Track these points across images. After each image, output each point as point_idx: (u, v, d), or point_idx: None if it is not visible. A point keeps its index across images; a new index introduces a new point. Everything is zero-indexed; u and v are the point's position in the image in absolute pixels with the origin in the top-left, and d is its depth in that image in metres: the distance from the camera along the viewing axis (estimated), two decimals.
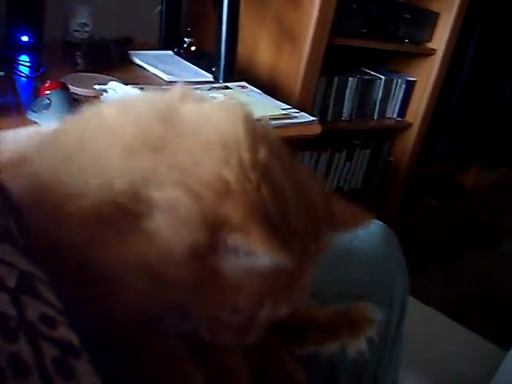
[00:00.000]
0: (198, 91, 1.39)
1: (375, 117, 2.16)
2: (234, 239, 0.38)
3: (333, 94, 1.97)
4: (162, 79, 1.47)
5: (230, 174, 0.39)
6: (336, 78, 1.96)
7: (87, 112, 0.48)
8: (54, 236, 0.41)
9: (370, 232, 0.88)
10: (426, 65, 2.17)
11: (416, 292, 1.22)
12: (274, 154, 0.43)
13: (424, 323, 1.38)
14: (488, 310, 2.50)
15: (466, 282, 2.76)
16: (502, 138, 2.78)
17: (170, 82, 1.45)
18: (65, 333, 0.35)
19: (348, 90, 2.01)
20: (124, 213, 0.40)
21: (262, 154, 0.42)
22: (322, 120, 1.73)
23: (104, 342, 0.42)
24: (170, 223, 0.38)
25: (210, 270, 0.39)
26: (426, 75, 2.17)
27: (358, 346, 0.61)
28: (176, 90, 0.51)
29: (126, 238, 0.39)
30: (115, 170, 0.41)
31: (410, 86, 2.20)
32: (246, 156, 0.40)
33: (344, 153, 2.11)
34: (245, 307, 0.42)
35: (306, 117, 1.37)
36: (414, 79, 2.20)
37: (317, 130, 1.34)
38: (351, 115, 2.06)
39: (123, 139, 0.42)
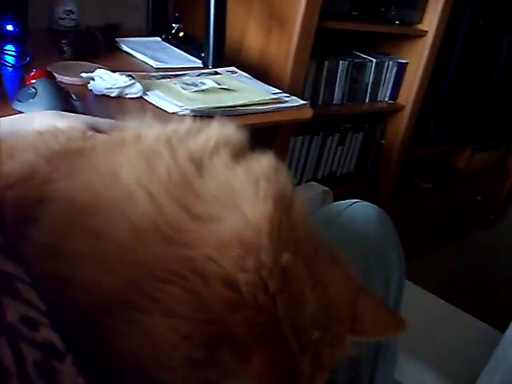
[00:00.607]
0: (188, 77, 1.37)
1: (367, 100, 2.14)
2: (232, 361, 0.34)
3: (323, 78, 1.95)
4: (151, 66, 1.45)
5: (243, 281, 0.36)
6: (326, 62, 1.94)
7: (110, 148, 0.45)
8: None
9: (365, 216, 0.87)
10: (417, 46, 2.15)
11: (411, 275, 1.21)
12: (299, 253, 0.39)
13: (420, 306, 1.37)
14: (483, 290, 2.51)
15: (461, 264, 2.77)
16: (493, 120, 2.77)
17: (159, 68, 1.43)
18: (47, 334, 0.33)
19: (339, 74, 1.99)
20: (125, 304, 0.37)
21: (285, 257, 0.37)
22: (313, 104, 1.72)
23: None
24: (169, 326, 0.35)
25: (204, 380, 0.36)
26: (418, 57, 2.15)
27: None
28: (211, 134, 0.46)
29: (122, 329, 0.36)
30: (119, 254, 0.38)
31: (402, 69, 2.18)
32: (265, 259, 0.36)
33: (336, 137, 2.10)
34: None
35: (296, 101, 1.35)
36: (406, 61, 2.18)
37: (308, 113, 1.32)
38: (342, 99, 2.04)
39: (136, 218, 0.39)
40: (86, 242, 0.38)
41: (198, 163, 0.42)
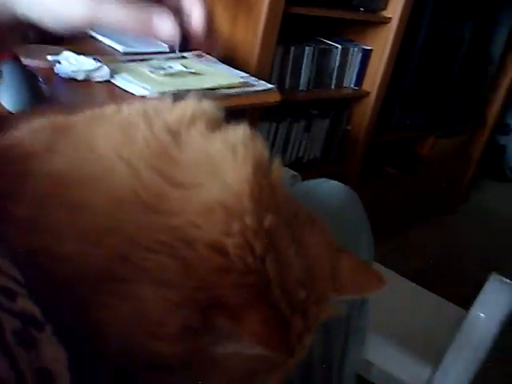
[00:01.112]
0: (155, 61, 1.36)
1: (333, 86, 2.16)
2: (226, 323, 0.35)
3: (290, 64, 1.95)
4: (118, 50, 1.44)
5: (230, 245, 0.36)
6: (292, 48, 1.95)
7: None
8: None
9: (335, 193, 0.88)
10: (381, 33, 2.17)
11: (378, 259, 1.23)
12: (280, 216, 0.40)
13: (388, 287, 1.39)
14: (448, 272, 2.57)
15: (426, 248, 2.82)
16: (456, 108, 2.82)
17: (126, 52, 1.42)
18: (26, 305, 0.33)
19: (305, 60, 2.00)
20: (111, 277, 0.36)
21: (268, 219, 0.38)
22: (280, 90, 1.72)
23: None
24: (159, 295, 0.35)
25: (197, 350, 0.36)
26: (382, 44, 2.17)
27: None
28: (187, 108, 0.46)
29: (110, 303, 0.36)
30: (102, 225, 0.37)
31: (366, 55, 2.20)
32: (249, 223, 0.37)
33: (302, 123, 2.11)
34: (235, 380, 0.40)
35: (264, 85, 1.36)
36: (370, 48, 2.20)
37: (276, 97, 1.33)
38: (309, 85, 2.05)
39: (116, 189, 0.38)
40: (67, 215, 0.38)
41: (175, 133, 0.42)
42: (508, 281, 1.18)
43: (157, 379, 0.41)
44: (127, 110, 0.46)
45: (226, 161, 0.40)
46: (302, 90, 2.04)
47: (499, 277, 1.18)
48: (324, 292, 0.41)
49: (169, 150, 0.41)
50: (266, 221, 0.38)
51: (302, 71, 2.01)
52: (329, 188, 0.90)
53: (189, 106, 0.47)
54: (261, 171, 0.41)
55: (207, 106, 0.48)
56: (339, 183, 0.91)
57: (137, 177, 0.39)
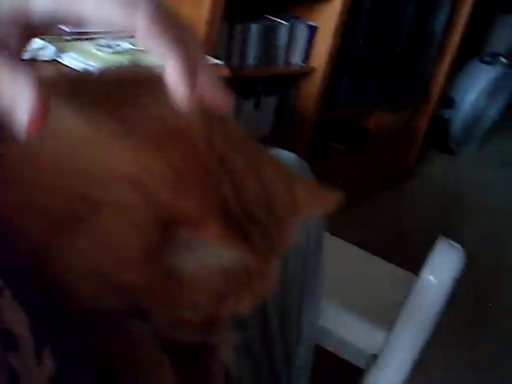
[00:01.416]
0: (103, 40, 1.34)
1: (280, 63, 2.17)
2: (190, 235, 0.35)
3: (237, 42, 1.95)
4: (63, 29, 1.41)
5: (184, 165, 0.37)
6: (239, 25, 1.94)
7: None
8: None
9: (285, 162, 0.89)
10: (326, 10, 2.19)
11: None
12: (230, 139, 0.40)
13: (340, 256, 1.42)
14: (396, 245, 2.63)
15: (376, 221, 2.88)
16: (401, 83, 2.87)
17: (72, 32, 1.39)
18: None
19: (251, 37, 2.00)
20: (71, 217, 0.36)
21: (219, 139, 0.39)
22: (228, 67, 1.73)
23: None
24: (119, 224, 0.35)
25: (165, 270, 0.37)
26: (327, 20, 2.19)
27: None
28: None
29: (71, 243, 0.36)
30: (56, 168, 0.37)
31: (312, 32, 2.22)
32: (201, 145, 0.38)
33: (251, 100, 2.12)
34: (205, 305, 0.40)
35: (212, 61, 1.36)
36: (316, 25, 2.22)
37: (224, 72, 1.34)
38: (256, 62, 2.06)
39: (65, 131, 0.38)
40: (19, 168, 0.38)
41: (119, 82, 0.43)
42: (455, 243, 1.22)
43: (125, 329, 0.42)
44: None
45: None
46: (249, 68, 2.04)
47: (446, 240, 1.22)
48: (283, 216, 0.42)
49: (112, 91, 0.41)
50: (217, 143, 0.39)
51: (249, 49, 2.01)
52: (281, 157, 0.91)
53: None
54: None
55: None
56: (288, 152, 0.92)
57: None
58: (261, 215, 0.39)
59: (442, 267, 1.19)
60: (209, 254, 0.37)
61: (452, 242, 1.22)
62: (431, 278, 1.19)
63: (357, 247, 1.52)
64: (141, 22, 0.34)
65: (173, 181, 0.36)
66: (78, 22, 0.35)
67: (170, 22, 0.35)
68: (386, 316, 1.26)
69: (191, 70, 0.36)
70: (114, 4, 0.34)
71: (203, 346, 0.53)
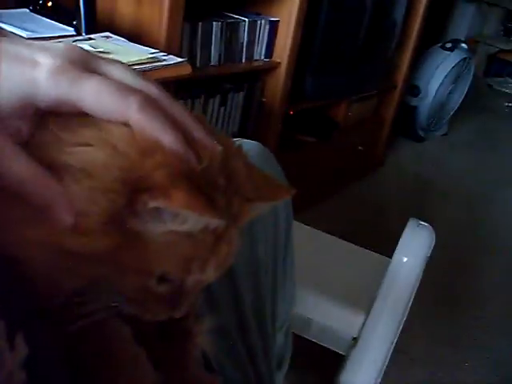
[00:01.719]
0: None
1: (243, 60, 2.18)
2: (156, 200, 0.36)
3: (199, 41, 1.96)
4: (21, 37, 1.41)
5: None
6: (200, 24, 1.95)
7: None
8: None
9: (250, 152, 0.90)
10: (286, 4, 2.20)
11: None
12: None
13: (313, 244, 1.44)
14: (373, 231, 2.66)
15: (349, 211, 2.91)
16: (365, 73, 2.90)
17: (30, 38, 1.39)
18: None
19: (213, 35, 2.01)
20: None
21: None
22: (192, 66, 1.73)
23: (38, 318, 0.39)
24: (83, 187, 0.36)
25: (131, 236, 0.37)
26: (288, 14, 2.20)
27: None
28: None
29: (30, 215, 0.36)
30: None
31: (274, 27, 2.23)
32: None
33: (217, 98, 2.12)
34: (171, 273, 0.41)
35: (174, 59, 1.36)
36: (277, 19, 2.23)
37: (187, 70, 1.34)
38: (220, 60, 2.06)
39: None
40: None
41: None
42: (425, 223, 1.24)
43: (100, 324, 0.42)
44: None
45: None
46: (213, 66, 2.05)
47: (416, 220, 1.24)
48: (243, 190, 0.43)
49: None
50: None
51: (212, 47, 2.02)
52: (245, 147, 0.92)
53: None
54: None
55: None
56: (253, 141, 0.93)
57: None
58: (223, 183, 0.40)
59: (413, 247, 1.21)
60: (176, 220, 0.37)
61: (422, 222, 1.25)
62: (404, 258, 1.21)
63: (330, 235, 1.54)
64: (134, 113, 0.37)
65: (141, 146, 0.37)
66: (78, 111, 0.38)
67: (158, 105, 0.39)
68: (364, 299, 1.29)
69: (182, 139, 0.39)
70: (110, 96, 0.37)
71: (180, 332, 0.54)
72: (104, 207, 0.36)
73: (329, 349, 1.42)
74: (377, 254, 1.49)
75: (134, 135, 0.37)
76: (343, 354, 1.34)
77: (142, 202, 0.36)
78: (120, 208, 0.36)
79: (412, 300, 1.25)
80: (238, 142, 0.90)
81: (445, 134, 4.27)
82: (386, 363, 1.30)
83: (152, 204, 0.36)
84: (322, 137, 2.74)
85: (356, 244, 1.57)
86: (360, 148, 3.13)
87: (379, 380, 1.35)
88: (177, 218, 0.37)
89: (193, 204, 0.36)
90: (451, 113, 4.10)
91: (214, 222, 0.39)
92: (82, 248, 0.36)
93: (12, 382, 0.32)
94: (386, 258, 1.38)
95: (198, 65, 1.98)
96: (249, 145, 0.92)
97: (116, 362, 0.46)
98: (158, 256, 0.39)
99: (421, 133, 3.97)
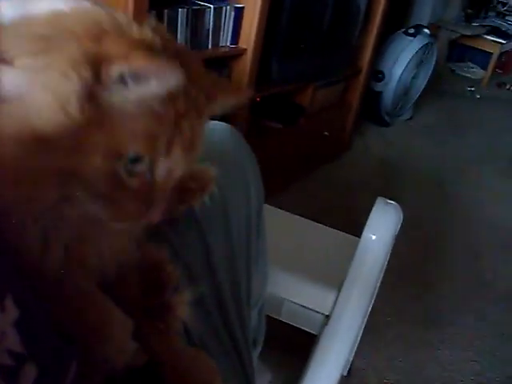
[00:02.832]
0: None
1: (209, 46, 2.18)
2: (119, 65, 0.38)
3: (165, 27, 1.95)
4: None
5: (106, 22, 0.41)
6: (166, 11, 1.94)
7: None
8: None
9: (220, 132, 0.91)
10: None
11: None
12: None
13: (286, 228, 1.46)
14: (341, 214, 2.70)
15: (317, 196, 2.94)
16: (331, 58, 2.92)
17: None
18: None
19: (179, 22, 2.00)
20: None
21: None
22: None
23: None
24: (43, 82, 0.37)
25: (100, 111, 0.39)
26: (253, 1, 2.21)
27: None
28: None
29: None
30: None
31: (239, 13, 2.23)
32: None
33: None
34: (139, 152, 0.42)
35: None
36: (242, 5, 2.23)
37: None
38: (186, 46, 2.06)
39: None
40: None
41: None
42: (392, 202, 1.27)
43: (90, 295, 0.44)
44: None
45: None
46: None
47: (384, 199, 1.27)
48: (201, 82, 0.46)
49: None
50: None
51: (178, 33, 2.01)
52: (213, 127, 0.93)
53: None
54: None
55: None
56: (222, 123, 0.95)
57: None
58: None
59: (381, 224, 1.24)
60: (139, 84, 0.39)
61: (389, 200, 1.27)
62: (373, 236, 1.24)
63: (301, 217, 1.56)
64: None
65: (93, 28, 0.40)
66: None
67: None
68: (335, 278, 1.31)
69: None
70: None
71: (160, 304, 0.55)
72: (75, 82, 0.37)
73: (302, 330, 1.44)
74: (346, 234, 1.52)
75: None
76: (316, 334, 1.37)
77: (107, 71, 0.38)
78: (89, 82, 0.38)
79: (381, 276, 1.28)
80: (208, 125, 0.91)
81: (409, 119, 4.33)
82: (358, 340, 1.33)
83: (115, 70, 0.38)
84: (288, 122, 2.76)
85: (325, 225, 1.59)
86: (326, 133, 3.16)
87: (351, 357, 1.38)
88: (140, 81, 0.39)
89: (152, 62, 0.38)
90: (415, 97, 4.16)
91: (173, 79, 0.40)
92: (56, 129, 0.37)
93: (5, 341, 0.33)
94: (356, 238, 1.41)
95: None
96: (218, 125, 0.93)
97: (98, 326, 0.47)
98: (125, 133, 0.40)
99: (386, 117, 4.02)
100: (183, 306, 0.58)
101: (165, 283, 0.59)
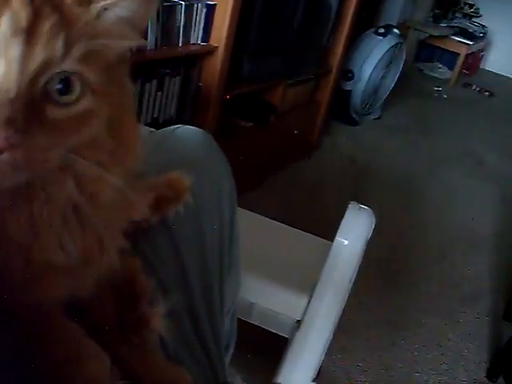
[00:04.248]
0: None
1: (180, 43, 2.15)
2: None
3: None
4: None
5: None
6: None
7: None
8: None
9: (191, 138, 0.90)
10: None
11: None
12: None
13: (256, 230, 1.44)
14: (311, 213, 2.70)
15: (287, 195, 2.94)
16: (301, 57, 2.91)
17: None
18: None
19: (150, 19, 1.97)
20: None
21: None
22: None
23: None
24: None
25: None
26: None
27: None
28: None
29: None
30: None
31: (211, 10, 2.21)
32: None
33: (154, 83, 2.09)
34: None
35: None
36: (214, 3, 2.21)
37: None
38: (156, 44, 2.03)
39: None
40: None
41: None
42: (365, 207, 1.26)
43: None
44: None
45: None
46: (150, 50, 2.01)
47: (356, 204, 1.26)
48: None
49: None
50: None
51: (149, 30, 1.98)
52: (186, 133, 0.91)
53: None
54: None
55: None
56: (194, 128, 0.93)
57: None
58: None
59: (354, 230, 1.23)
60: None
61: (362, 205, 1.27)
62: (345, 241, 1.23)
63: (272, 220, 1.55)
64: None
65: None
66: None
67: None
68: (307, 282, 1.30)
69: None
70: None
71: (135, 318, 0.54)
72: None
73: (273, 333, 1.43)
74: (318, 238, 1.51)
75: None
76: (287, 336, 1.36)
77: None
78: None
79: (353, 280, 1.28)
80: (179, 129, 0.90)
81: (378, 118, 4.35)
82: (328, 343, 1.33)
83: None
84: (258, 121, 2.75)
85: (293, 226, 1.58)
86: (296, 132, 3.16)
87: (321, 360, 1.38)
88: None
89: None
90: (384, 97, 4.18)
91: None
92: None
93: None
94: (327, 242, 1.40)
95: (133, 49, 1.93)
96: (191, 131, 0.92)
97: (67, 361, 0.45)
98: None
99: (355, 116, 4.03)
100: (158, 318, 0.56)
101: (140, 296, 0.57)
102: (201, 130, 0.93)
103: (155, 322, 0.55)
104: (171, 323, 0.57)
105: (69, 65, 0.39)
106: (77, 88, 0.40)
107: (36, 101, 0.38)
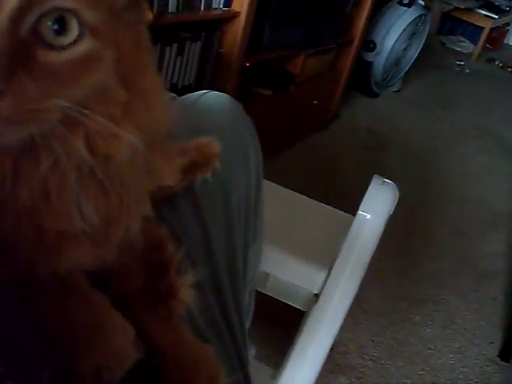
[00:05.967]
0: None
1: (202, 8, 2.10)
2: None
3: None
4: None
5: None
6: None
7: None
8: None
9: (219, 103, 0.87)
10: None
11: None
12: None
13: (276, 201, 1.42)
14: (330, 186, 2.68)
15: (305, 165, 2.91)
16: (324, 25, 2.85)
17: None
18: None
19: None
20: None
21: None
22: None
23: None
24: None
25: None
26: None
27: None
28: None
29: None
30: None
31: None
32: None
33: (174, 47, 2.05)
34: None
35: None
36: None
37: (148, 15, 1.28)
38: (178, 8, 1.99)
39: None
40: None
41: None
42: (389, 181, 1.23)
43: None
44: None
45: None
46: (171, 13, 1.97)
47: (380, 177, 1.23)
48: None
49: None
50: None
51: None
52: (213, 98, 0.89)
53: None
54: None
55: None
56: (222, 93, 0.90)
57: None
58: None
59: (377, 204, 1.21)
60: None
61: (386, 179, 1.24)
62: (367, 215, 1.20)
63: (292, 191, 1.52)
64: None
65: None
66: None
67: None
68: (326, 256, 1.28)
69: None
70: None
71: (163, 288, 0.52)
72: None
73: (286, 304, 1.42)
74: (340, 211, 1.48)
75: None
76: (304, 309, 1.34)
77: None
78: None
79: (372, 256, 1.26)
80: (207, 94, 0.87)
81: (398, 91, 4.28)
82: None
83: None
84: (278, 89, 2.70)
85: (315, 199, 1.56)
86: (315, 102, 3.11)
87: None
88: None
89: None
90: (405, 69, 4.11)
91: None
92: None
93: None
94: (347, 215, 1.38)
95: (155, 12, 1.90)
96: (219, 97, 0.89)
97: (90, 330, 0.43)
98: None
99: (375, 88, 3.97)
100: (186, 289, 0.54)
101: (167, 264, 0.55)
102: (229, 96, 0.91)
103: (183, 292, 0.53)
104: (197, 297, 0.55)
105: (61, 0, 0.34)
106: (73, 28, 0.35)
107: (23, 43, 0.33)
